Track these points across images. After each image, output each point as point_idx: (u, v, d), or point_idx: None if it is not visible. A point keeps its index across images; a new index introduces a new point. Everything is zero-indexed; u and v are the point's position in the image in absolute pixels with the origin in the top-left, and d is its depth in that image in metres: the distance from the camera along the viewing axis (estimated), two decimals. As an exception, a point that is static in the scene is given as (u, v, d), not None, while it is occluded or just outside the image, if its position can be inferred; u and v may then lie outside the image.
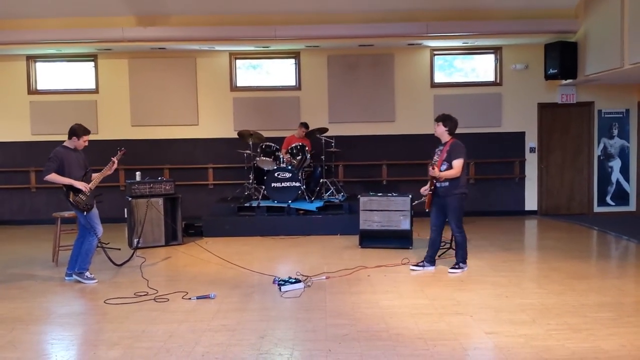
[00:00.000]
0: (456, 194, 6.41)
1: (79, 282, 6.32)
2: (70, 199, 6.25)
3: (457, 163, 6.33)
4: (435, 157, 6.53)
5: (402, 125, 10.99)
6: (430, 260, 6.69)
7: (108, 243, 8.23)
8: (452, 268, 6.56)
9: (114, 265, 6.93)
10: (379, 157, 11.01)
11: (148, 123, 11.01)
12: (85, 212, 6.30)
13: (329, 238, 8.87)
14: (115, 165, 6.54)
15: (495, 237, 8.80)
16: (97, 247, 6.58)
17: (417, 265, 6.70)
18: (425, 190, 6.63)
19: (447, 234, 6.97)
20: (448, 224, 6.59)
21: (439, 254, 6.95)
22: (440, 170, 6.33)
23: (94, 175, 6.47)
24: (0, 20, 10.01)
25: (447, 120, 6.51)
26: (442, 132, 6.54)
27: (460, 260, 6.58)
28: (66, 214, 7.32)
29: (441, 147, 6.54)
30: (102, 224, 6.54)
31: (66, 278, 6.46)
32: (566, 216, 10.86)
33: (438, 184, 6.44)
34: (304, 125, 10.18)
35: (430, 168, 6.34)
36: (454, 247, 7.17)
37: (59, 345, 4.46)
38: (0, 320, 5.01)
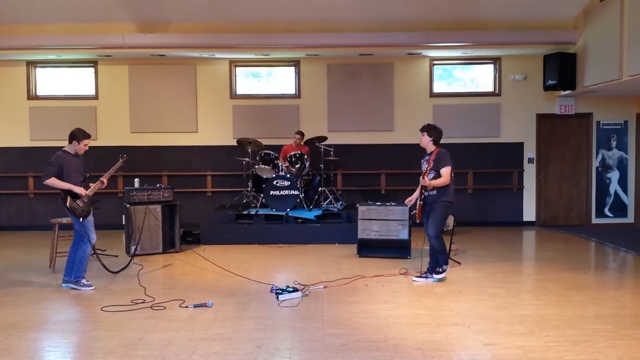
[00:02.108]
0: (442, 201, 6.43)
1: (76, 289, 6.30)
2: (67, 204, 6.23)
3: (445, 170, 6.36)
4: (423, 168, 6.56)
5: (401, 134, 11.00)
6: (434, 270, 6.66)
7: (105, 250, 8.23)
8: (435, 273, 6.53)
9: (109, 272, 6.91)
10: (377, 166, 11.02)
11: (147, 130, 11.02)
12: (81, 219, 6.29)
13: (327, 247, 8.86)
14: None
15: (493, 247, 8.80)
16: (92, 255, 6.56)
17: (419, 277, 6.66)
18: (410, 201, 6.69)
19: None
20: (425, 229, 6.57)
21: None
22: (429, 180, 6.35)
23: (92, 184, 6.46)
24: (1, 25, 10.04)
25: (431, 130, 6.56)
26: (427, 142, 6.58)
27: (443, 262, 6.54)
28: (64, 220, 7.30)
29: (427, 157, 6.57)
30: (99, 230, 6.53)
31: (63, 285, 6.42)
32: (564, 227, 10.85)
33: (426, 193, 6.47)
34: (300, 133, 10.19)
35: (421, 178, 6.35)
36: (452, 259, 7.18)
37: (55, 353, 4.44)
38: (-4, 327, 4.99)
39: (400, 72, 11.00)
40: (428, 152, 6.59)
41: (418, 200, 6.50)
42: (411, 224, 7.92)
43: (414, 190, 6.61)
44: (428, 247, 6.69)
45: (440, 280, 6.51)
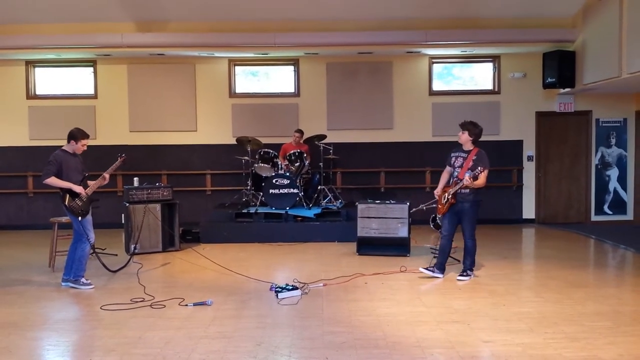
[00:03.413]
0: (474, 200, 6.45)
1: (75, 288, 6.30)
2: (66, 204, 6.24)
3: (485, 173, 6.34)
4: (452, 162, 6.57)
5: (400, 132, 11.00)
6: (441, 267, 6.65)
7: (105, 249, 8.23)
8: (460, 275, 6.55)
9: (109, 271, 6.91)
10: (377, 164, 11.01)
11: (146, 129, 11.01)
12: (79, 218, 6.30)
13: (327, 245, 8.86)
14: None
15: (492, 245, 8.79)
16: (91, 253, 6.57)
17: (427, 269, 6.65)
18: (438, 192, 6.69)
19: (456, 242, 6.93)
20: (461, 229, 6.59)
21: (432, 262, 6.95)
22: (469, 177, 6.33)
23: (90, 182, 6.47)
24: (0, 25, 10.03)
25: (472, 128, 6.53)
26: (466, 139, 6.56)
27: (469, 267, 6.58)
28: (63, 219, 7.29)
29: (463, 154, 6.55)
30: (99, 229, 6.53)
31: (62, 284, 6.43)
32: (563, 225, 10.86)
33: (459, 191, 6.45)
34: (299, 131, 10.19)
35: (468, 177, 6.28)
36: (452, 256, 7.18)
37: (55, 352, 4.44)
38: (-4, 326, 5.00)
39: (399, 70, 10.99)
40: (465, 149, 6.58)
41: (448, 196, 6.49)
42: (410, 221, 7.93)
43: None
44: (438, 245, 6.70)
45: (462, 282, 6.47)
